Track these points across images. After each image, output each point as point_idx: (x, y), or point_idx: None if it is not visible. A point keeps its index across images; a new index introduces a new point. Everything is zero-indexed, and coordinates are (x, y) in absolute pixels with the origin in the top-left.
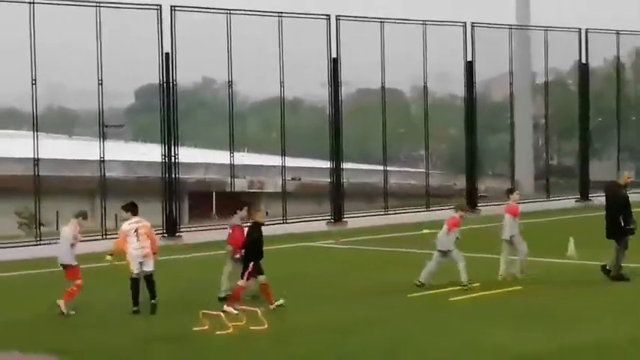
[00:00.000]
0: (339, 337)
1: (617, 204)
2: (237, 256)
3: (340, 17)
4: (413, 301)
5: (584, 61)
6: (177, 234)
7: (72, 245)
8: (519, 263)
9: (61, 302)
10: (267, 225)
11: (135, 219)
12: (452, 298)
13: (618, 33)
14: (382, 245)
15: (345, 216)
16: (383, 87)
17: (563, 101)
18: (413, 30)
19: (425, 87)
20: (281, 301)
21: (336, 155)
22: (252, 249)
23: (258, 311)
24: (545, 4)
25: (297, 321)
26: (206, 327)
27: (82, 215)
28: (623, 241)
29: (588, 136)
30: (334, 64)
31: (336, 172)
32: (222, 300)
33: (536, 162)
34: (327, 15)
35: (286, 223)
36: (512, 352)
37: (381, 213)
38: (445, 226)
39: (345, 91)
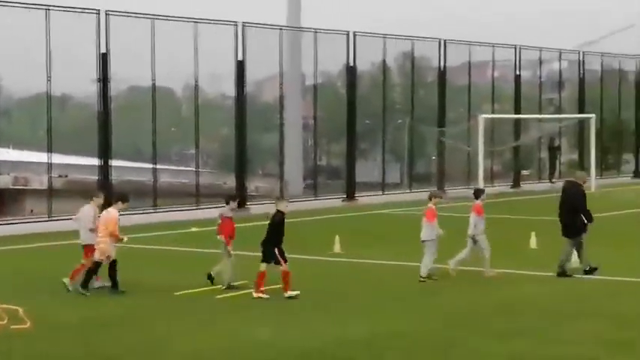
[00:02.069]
0: (102, 333)
1: (577, 202)
2: (229, 246)
3: (110, 12)
4: (179, 299)
5: (352, 64)
6: None
7: (91, 230)
8: (485, 260)
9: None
10: (32, 222)
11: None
12: (218, 296)
13: (385, 37)
14: (151, 243)
15: None
16: (154, 85)
17: (332, 103)
18: (185, 28)
19: (196, 86)
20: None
21: (105, 152)
22: (273, 235)
23: (20, 310)
24: (316, 6)
25: (57, 319)
26: (4, 321)
27: (96, 195)
28: (578, 238)
29: (355, 137)
30: (103, 60)
31: (105, 169)
32: (230, 288)
33: (305, 162)
34: (96, 10)
35: (52, 220)
36: (279, 347)
37: (151, 211)
38: (424, 218)
39: (115, 87)
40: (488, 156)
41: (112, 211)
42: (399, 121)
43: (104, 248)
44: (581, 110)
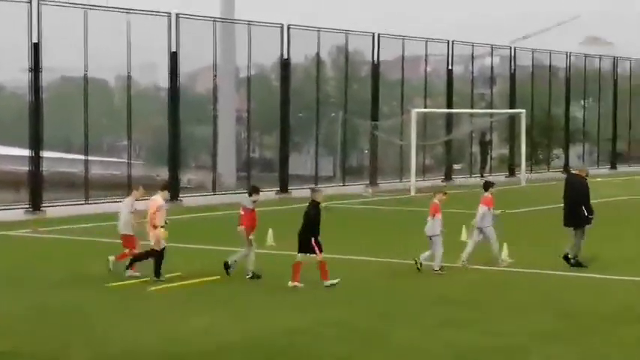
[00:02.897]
0: (39, 326)
1: (580, 194)
2: (251, 237)
3: (42, 2)
4: (112, 291)
5: (286, 57)
6: None
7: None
8: (494, 251)
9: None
10: None
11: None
12: (151, 288)
13: (319, 30)
14: (82, 235)
15: (44, 205)
16: (86, 75)
17: (266, 95)
18: (117, 18)
19: (129, 76)
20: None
21: (36, 143)
22: (311, 226)
23: None
24: None
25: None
26: None
27: (135, 188)
28: (581, 229)
29: (289, 130)
30: (35, 50)
31: (36, 160)
32: (252, 277)
33: (238, 155)
34: None
35: None
36: (218, 337)
37: (82, 202)
38: (430, 214)
39: (48, 78)
40: (420, 150)
41: (158, 199)
42: (333, 114)
43: (159, 235)
44: (512, 105)
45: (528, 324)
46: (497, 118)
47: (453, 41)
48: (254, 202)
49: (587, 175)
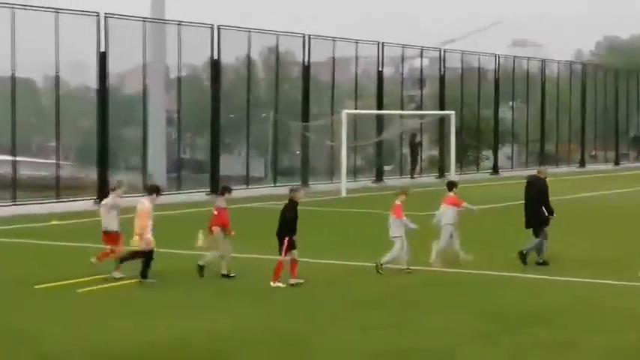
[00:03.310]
0: None
1: (539, 195)
2: (232, 233)
3: None
4: (39, 292)
5: (216, 57)
6: None
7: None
8: (437, 246)
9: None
10: None
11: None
12: (80, 290)
13: (249, 31)
14: (10, 236)
15: None
16: (13, 75)
17: (197, 96)
18: (46, 18)
19: (57, 77)
20: (300, 280)
21: None
22: (288, 225)
23: None
24: None
25: None
26: None
27: (118, 185)
28: (543, 230)
29: (220, 131)
30: None
31: None
32: (225, 276)
33: (168, 156)
34: None
35: None
36: (144, 340)
37: (9, 204)
38: (392, 215)
39: None
40: (351, 151)
41: (145, 203)
42: (264, 115)
43: (148, 238)
44: (441, 107)
45: (456, 325)
46: (427, 120)
47: (383, 43)
48: (227, 201)
49: (545, 177)
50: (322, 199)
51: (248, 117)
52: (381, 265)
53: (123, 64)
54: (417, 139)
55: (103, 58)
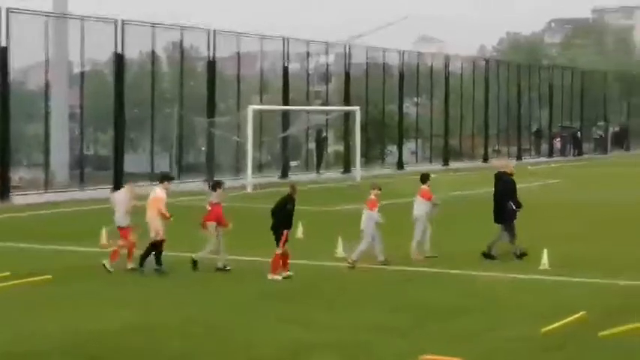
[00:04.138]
0: None
1: (507, 190)
2: (230, 226)
3: None
4: None
5: (120, 52)
6: None
7: (127, 211)
8: (428, 242)
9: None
10: None
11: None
12: None
13: (154, 26)
14: None
15: None
16: None
17: (100, 91)
18: None
19: None
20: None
21: None
22: (285, 219)
23: None
24: None
25: None
26: None
27: (130, 182)
28: (511, 225)
29: (124, 127)
30: None
31: None
32: (220, 270)
33: (71, 152)
34: None
35: None
36: (49, 338)
37: None
38: (366, 208)
39: None
40: (257, 147)
41: (160, 192)
42: (168, 110)
43: (158, 227)
44: (346, 103)
45: (368, 318)
46: (332, 115)
47: (288, 39)
48: (219, 196)
49: (512, 173)
50: (229, 195)
51: (152, 113)
52: (354, 260)
53: (25, 59)
54: (323, 134)
55: (3, 53)
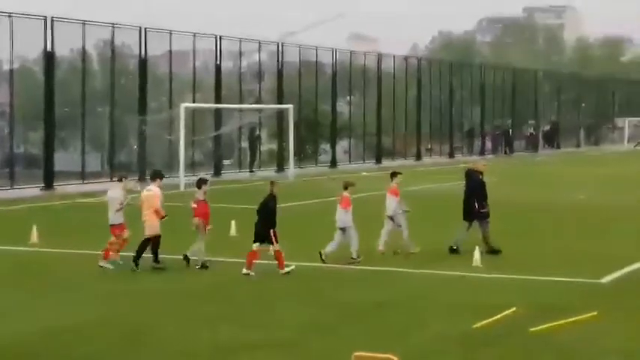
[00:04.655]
0: None
1: (474, 188)
2: (209, 227)
3: None
4: None
5: (50, 49)
6: None
7: (119, 209)
8: (405, 238)
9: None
10: None
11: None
12: None
13: (84, 23)
14: None
15: None
16: None
17: (30, 89)
18: None
19: None
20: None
21: None
22: (268, 217)
23: None
24: None
25: None
26: None
27: (124, 177)
28: (484, 223)
29: (54, 125)
30: None
31: None
32: (204, 267)
33: (1, 150)
34: None
35: None
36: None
37: None
38: (339, 205)
39: None
40: (189, 145)
41: (155, 189)
42: (99, 109)
43: (153, 225)
44: (279, 101)
45: (296, 316)
46: (265, 114)
47: (220, 36)
48: (204, 193)
49: (483, 172)
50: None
51: (83, 111)
52: (326, 254)
53: None
54: (256, 132)
55: None
